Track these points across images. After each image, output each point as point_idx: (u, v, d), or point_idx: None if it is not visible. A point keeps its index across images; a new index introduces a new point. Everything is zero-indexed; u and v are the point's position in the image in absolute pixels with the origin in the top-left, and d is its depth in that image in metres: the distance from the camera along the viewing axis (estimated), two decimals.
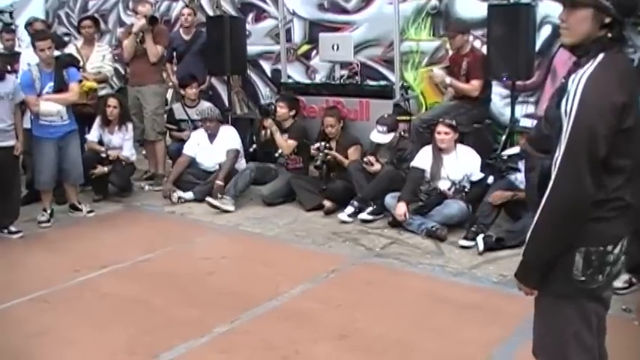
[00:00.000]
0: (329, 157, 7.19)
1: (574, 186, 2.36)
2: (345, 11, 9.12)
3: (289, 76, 9.11)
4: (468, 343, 4.18)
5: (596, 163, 2.34)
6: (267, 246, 6.26)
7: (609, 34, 2.43)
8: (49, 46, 6.70)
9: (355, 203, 6.74)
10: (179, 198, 7.63)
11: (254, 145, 8.11)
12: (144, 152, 8.99)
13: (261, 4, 9.92)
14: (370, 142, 7.09)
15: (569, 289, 2.52)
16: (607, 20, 2.42)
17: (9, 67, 7.89)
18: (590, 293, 2.52)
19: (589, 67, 2.39)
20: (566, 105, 2.38)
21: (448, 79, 7.21)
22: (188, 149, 7.96)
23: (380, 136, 6.95)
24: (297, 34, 9.61)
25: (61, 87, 6.83)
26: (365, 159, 6.92)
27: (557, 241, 2.47)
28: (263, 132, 7.77)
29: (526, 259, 2.59)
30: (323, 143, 7.21)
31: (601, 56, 2.41)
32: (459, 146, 6.59)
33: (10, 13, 11.08)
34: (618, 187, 2.44)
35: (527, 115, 6.51)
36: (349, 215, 6.70)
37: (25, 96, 6.64)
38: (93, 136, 7.88)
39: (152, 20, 8.16)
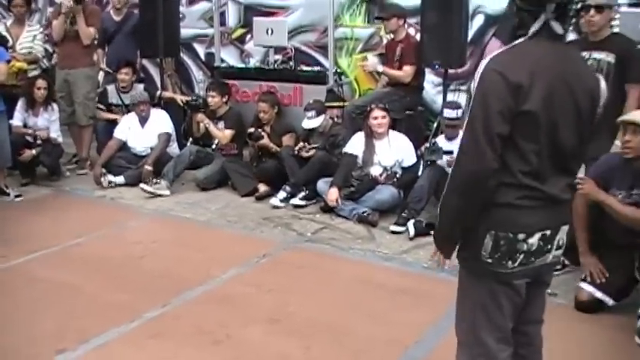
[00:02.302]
0: (262, 141, 7.19)
1: (472, 157, 2.45)
2: None
3: (223, 60, 9.06)
4: (398, 326, 4.25)
5: (493, 138, 2.40)
6: (198, 231, 6.24)
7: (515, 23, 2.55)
8: None
9: (287, 188, 6.75)
10: (110, 182, 7.52)
11: (190, 139, 8.01)
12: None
13: None
14: (303, 128, 7.13)
15: (479, 269, 2.60)
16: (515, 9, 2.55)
17: None
18: (499, 277, 2.58)
19: (497, 51, 2.51)
20: (472, 85, 2.49)
21: (380, 67, 7.28)
22: (119, 133, 7.83)
23: (310, 122, 7.02)
24: (232, 18, 9.55)
25: None
26: (298, 145, 6.94)
27: (460, 212, 2.55)
28: (196, 127, 7.74)
29: (437, 228, 2.69)
30: (259, 130, 7.21)
31: (516, 42, 2.53)
32: (391, 132, 6.66)
33: None
34: (529, 174, 2.48)
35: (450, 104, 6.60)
36: (281, 200, 6.72)
37: None
38: (17, 119, 7.63)
39: None
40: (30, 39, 8.07)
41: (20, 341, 4.17)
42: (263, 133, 7.19)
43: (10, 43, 7.73)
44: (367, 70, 7.67)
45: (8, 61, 7.05)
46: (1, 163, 7.14)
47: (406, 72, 7.05)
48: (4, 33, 7.78)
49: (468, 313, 2.70)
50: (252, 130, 7.25)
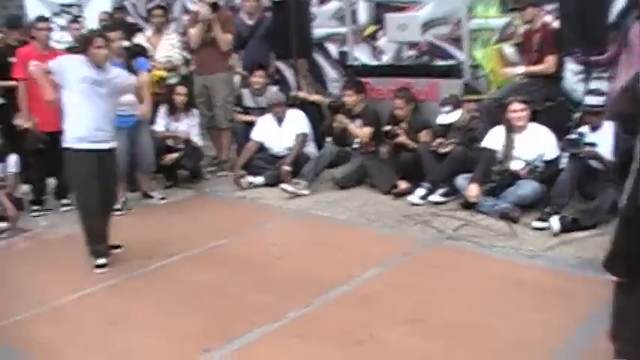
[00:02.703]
0: (399, 138, 7.13)
1: None
2: None
3: (356, 58, 9.05)
4: (543, 327, 4.10)
5: None
6: (338, 230, 6.25)
7: None
8: (119, 37, 6.80)
9: (426, 185, 6.68)
10: (249, 183, 7.70)
11: (328, 139, 8.07)
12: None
13: None
14: (439, 124, 7.02)
15: None
16: None
17: None
18: None
19: None
20: None
21: (521, 69, 7.03)
22: (256, 134, 8.02)
23: (447, 117, 6.91)
24: (363, 15, 9.51)
25: None
26: (436, 141, 6.83)
27: None
28: (335, 125, 7.77)
29: (615, 249, 2.49)
30: (395, 127, 7.16)
31: None
32: (531, 125, 6.45)
33: (79, 7, 11.33)
34: None
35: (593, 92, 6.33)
36: (420, 197, 6.65)
37: None
38: (160, 125, 7.97)
39: (214, 7, 8.17)
40: (168, 48, 8.36)
41: (165, 341, 4.30)
42: (399, 131, 7.13)
43: (150, 52, 8.02)
44: (508, 75, 7.40)
45: (149, 71, 7.31)
46: (145, 168, 7.44)
47: (549, 63, 6.76)
48: (145, 44, 8.08)
49: (633, 325, 2.54)
50: (388, 128, 7.21)
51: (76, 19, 10.05)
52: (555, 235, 5.58)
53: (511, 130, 6.40)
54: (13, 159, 7.39)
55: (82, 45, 5.51)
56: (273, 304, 4.70)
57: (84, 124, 5.44)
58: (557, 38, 6.70)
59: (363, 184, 7.44)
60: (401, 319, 4.34)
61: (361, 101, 7.68)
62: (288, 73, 9.78)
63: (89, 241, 5.59)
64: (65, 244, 6.40)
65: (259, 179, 7.75)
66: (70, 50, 7.92)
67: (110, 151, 5.70)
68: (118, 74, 5.83)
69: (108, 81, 5.59)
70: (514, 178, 6.31)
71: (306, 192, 7.24)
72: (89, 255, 5.59)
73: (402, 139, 7.13)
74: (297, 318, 4.47)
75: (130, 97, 6.80)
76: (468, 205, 6.35)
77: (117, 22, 9.71)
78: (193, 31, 8.31)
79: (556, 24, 6.88)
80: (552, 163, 6.31)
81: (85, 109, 5.44)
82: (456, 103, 6.90)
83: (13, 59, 7.54)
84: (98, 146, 5.51)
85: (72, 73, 5.42)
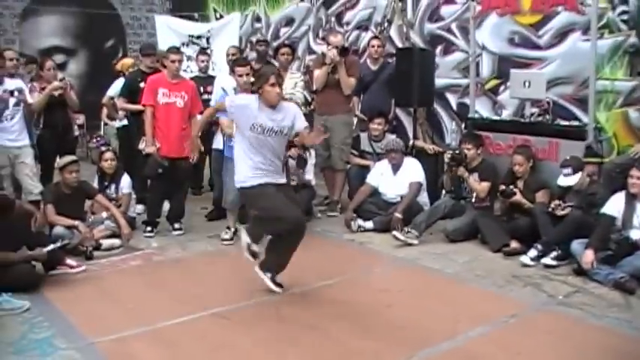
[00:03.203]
0: (514, 197, 7.03)
1: None
2: (536, 47, 8.89)
3: (476, 111, 9.00)
4: None
5: None
6: (445, 283, 6.18)
7: None
8: (247, 72, 6.98)
9: (539, 247, 6.53)
10: (359, 226, 7.74)
11: (443, 192, 8.04)
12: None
13: (451, 37, 9.86)
14: (558, 185, 6.88)
15: None
16: None
17: (202, 89, 8.40)
18: None
19: None
20: None
21: None
22: (371, 179, 8.07)
23: (567, 179, 6.75)
24: (485, 69, 9.47)
25: None
26: (553, 203, 6.71)
27: None
28: (453, 177, 7.73)
29: None
30: (511, 187, 7.08)
31: None
32: None
33: (207, 39, 11.70)
34: None
35: None
36: (532, 259, 6.50)
37: (220, 118, 6.97)
38: None
39: (343, 51, 8.31)
40: (292, 85, 8.49)
41: None
42: (515, 190, 7.03)
43: None
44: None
45: None
46: None
47: None
48: None
49: None
50: (504, 187, 7.11)
51: (203, 51, 10.39)
52: None
53: (633, 197, 6.22)
54: (126, 180, 7.75)
55: (256, 83, 5.54)
56: (375, 352, 4.66)
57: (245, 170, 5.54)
58: None
59: (473, 238, 7.35)
60: None
61: (479, 155, 7.63)
62: (406, 121, 9.81)
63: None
64: (173, 267, 6.64)
65: (369, 224, 7.79)
66: (195, 80, 8.25)
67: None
68: (289, 112, 5.74)
69: (279, 123, 5.59)
70: (633, 247, 6.09)
71: (415, 242, 7.22)
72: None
73: (518, 197, 7.02)
74: None
75: None
76: (581, 272, 6.16)
77: (259, 55, 9.93)
78: (318, 72, 8.46)
79: None
80: None
81: (251, 155, 5.51)
82: (577, 166, 6.74)
83: (143, 84, 7.88)
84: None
85: (244, 119, 5.46)
